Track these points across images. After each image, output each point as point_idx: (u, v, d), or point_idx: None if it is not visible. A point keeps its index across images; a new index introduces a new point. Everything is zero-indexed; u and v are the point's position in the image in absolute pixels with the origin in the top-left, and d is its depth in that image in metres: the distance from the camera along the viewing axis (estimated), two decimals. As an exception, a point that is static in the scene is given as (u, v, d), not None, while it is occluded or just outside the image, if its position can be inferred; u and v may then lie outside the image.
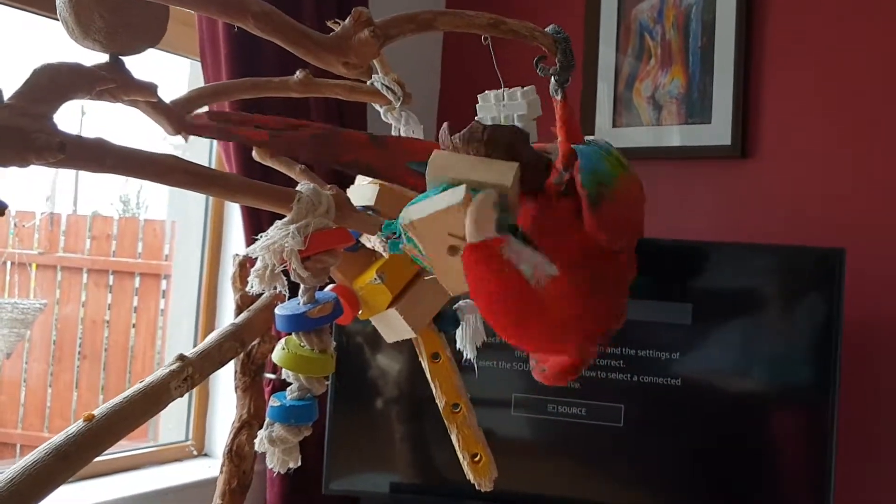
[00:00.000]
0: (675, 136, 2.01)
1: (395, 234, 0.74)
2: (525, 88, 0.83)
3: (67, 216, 3.56)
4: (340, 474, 1.70)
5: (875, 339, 1.77)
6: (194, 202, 1.95)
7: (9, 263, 3.24)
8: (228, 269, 1.86)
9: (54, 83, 0.67)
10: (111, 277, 3.39)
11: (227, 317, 1.60)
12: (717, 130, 1.95)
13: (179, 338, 1.95)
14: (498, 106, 0.82)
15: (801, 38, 1.92)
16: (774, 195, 1.92)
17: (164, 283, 3.37)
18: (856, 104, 1.86)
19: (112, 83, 0.77)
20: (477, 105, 0.87)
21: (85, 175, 3.59)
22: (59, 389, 3.35)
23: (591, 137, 0.85)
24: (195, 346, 1.87)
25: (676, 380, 1.61)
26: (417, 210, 0.70)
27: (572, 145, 0.79)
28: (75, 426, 0.72)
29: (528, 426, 1.66)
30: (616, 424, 1.63)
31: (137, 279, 3.43)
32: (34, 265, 3.39)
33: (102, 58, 0.82)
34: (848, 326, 1.56)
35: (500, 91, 0.83)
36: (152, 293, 3.47)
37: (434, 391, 1.03)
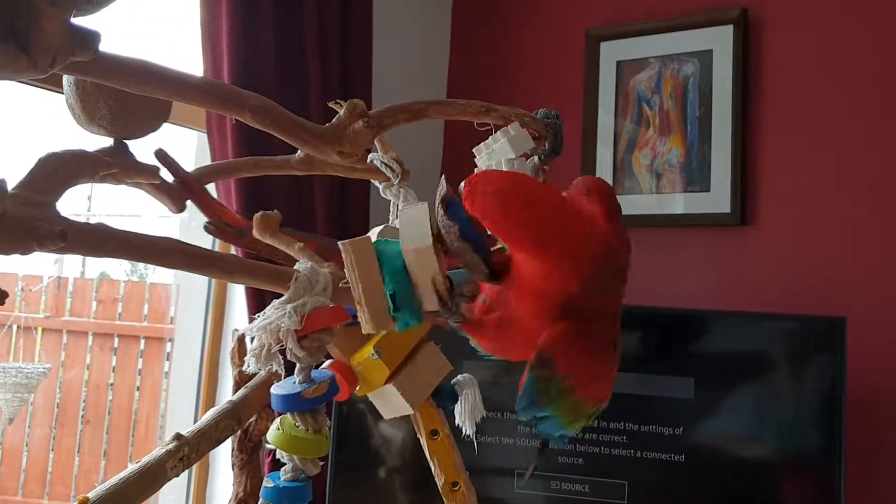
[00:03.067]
0: (674, 203, 2.03)
1: None
2: (506, 128, 0.82)
3: (74, 280, 3.57)
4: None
5: (877, 406, 1.76)
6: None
7: (15, 327, 3.24)
8: (230, 337, 1.87)
9: (57, 172, 0.69)
10: (116, 341, 3.40)
11: (229, 381, 1.60)
12: (717, 198, 1.97)
13: (181, 405, 1.94)
14: (488, 153, 0.82)
15: (797, 106, 1.96)
16: (774, 263, 1.93)
17: (168, 346, 3.37)
18: (854, 171, 1.88)
19: (115, 167, 0.79)
20: (475, 160, 0.86)
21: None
22: (61, 454, 3.33)
23: None
24: (197, 410, 1.88)
25: (680, 455, 1.59)
26: None
27: None
28: (68, 510, 0.71)
29: (531, 503, 1.64)
30: (620, 502, 1.60)
31: (142, 342, 3.43)
32: (40, 329, 3.40)
33: (107, 140, 0.85)
34: (850, 395, 1.55)
35: (487, 142, 0.83)
36: (157, 356, 3.46)
37: (433, 469, 1.02)
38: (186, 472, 1.84)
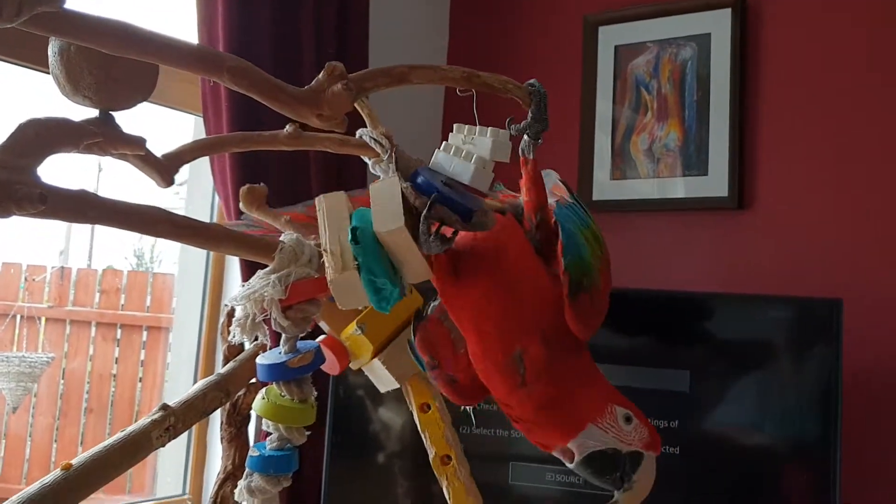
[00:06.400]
0: (672, 188, 2.03)
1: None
2: (497, 129, 0.81)
3: (78, 270, 3.59)
4: (337, 529, 1.68)
5: (874, 388, 1.75)
6: (196, 255, 1.97)
7: (18, 317, 3.26)
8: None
9: (38, 137, 0.69)
10: (119, 331, 3.41)
11: (226, 369, 1.60)
12: (714, 182, 1.97)
13: (178, 391, 1.95)
14: (468, 138, 0.80)
15: (795, 90, 1.95)
16: (771, 246, 1.92)
17: (170, 336, 3.38)
18: (851, 154, 1.87)
19: (99, 137, 0.79)
20: (449, 133, 0.84)
21: (100, 230, 3.62)
22: (65, 444, 3.34)
23: (561, 196, 0.85)
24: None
25: (675, 448, 1.58)
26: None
27: (554, 211, 0.80)
28: (52, 475, 0.72)
29: (526, 495, 1.63)
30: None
31: (145, 333, 3.44)
32: (43, 319, 3.42)
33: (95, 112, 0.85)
34: (846, 377, 1.54)
35: (474, 126, 0.81)
36: (159, 346, 3.47)
37: (425, 442, 1.02)
38: (184, 450, 1.86)
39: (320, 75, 0.67)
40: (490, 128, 0.81)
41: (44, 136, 0.71)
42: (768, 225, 1.93)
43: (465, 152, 0.79)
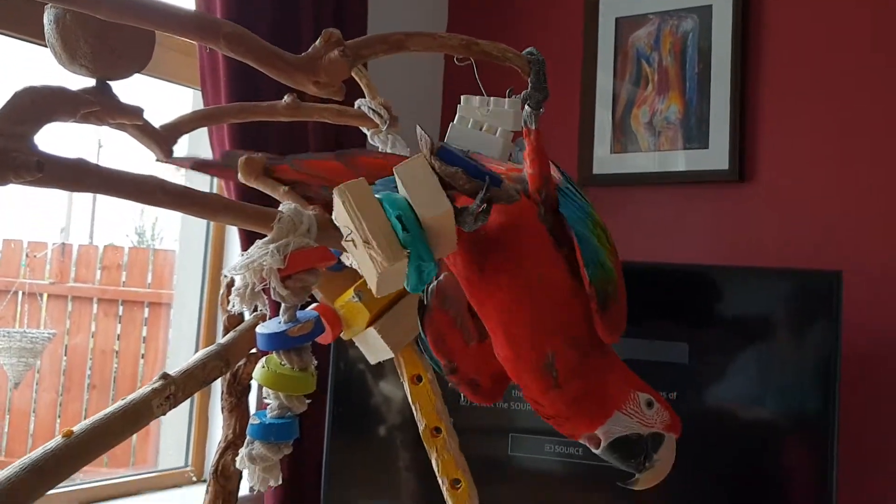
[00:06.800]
0: (673, 161, 2.02)
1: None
2: (514, 99, 0.79)
3: (79, 246, 3.59)
4: (339, 500, 1.69)
5: (873, 360, 1.76)
6: (197, 231, 1.97)
7: (20, 293, 3.27)
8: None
9: (35, 105, 0.69)
10: (121, 307, 3.42)
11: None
12: (715, 155, 1.96)
13: (179, 366, 1.96)
14: (483, 111, 0.79)
15: (796, 62, 1.94)
16: (772, 219, 1.92)
17: (172, 312, 3.38)
18: (853, 128, 1.86)
19: (96, 106, 0.79)
20: (459, 106, 0.82)
21: (101, 207, 3.62)
22: (68, 419, 3.36)
23: (557, 174, 0.85)
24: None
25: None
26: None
27: (561, 210, 0.80)
28: (53, 441, 0.72)
29: (525, 466, 1.64)
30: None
31: (146, 309, 3.45)
32: (45, 295, 3.42)
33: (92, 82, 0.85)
34: (846, 349, 1.54)
35: (486, 97, 0.80)
36: (161, 323, 3.49)
37: (415, 414, 1.03)
38: (186, 422, 1.87)
39: (317, 42, 0.66)
40: (506, 99, 0.81)
41: (40, 104, 0.70)
42: (769, 198, 1.93)
43: (487, 125, 0.78)
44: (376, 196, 0.72)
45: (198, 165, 1.04)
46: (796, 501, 1.59)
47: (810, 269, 1.64)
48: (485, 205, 0.71)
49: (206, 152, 1.84)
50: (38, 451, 0.70)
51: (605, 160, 2.10)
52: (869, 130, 1.84)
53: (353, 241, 0.72)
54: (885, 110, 1.83)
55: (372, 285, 0.73)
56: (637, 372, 0.85)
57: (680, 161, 2.01)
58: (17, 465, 0.69)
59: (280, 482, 0.84)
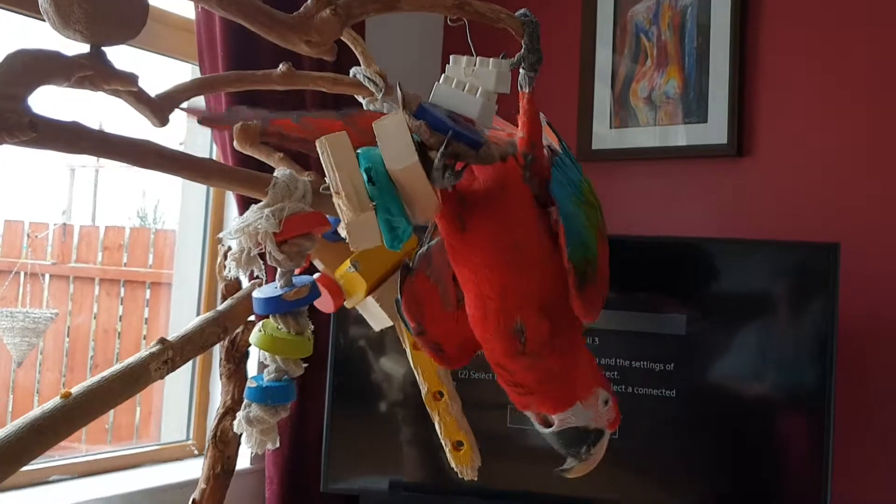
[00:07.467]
0: (672, 135, 2.02)
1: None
2: (499, 60, 0.79)
3: (80, 227, 3.60)
4: (339, 473, 1.71)
5: (870, 333, 1.76)
6: (196, 211, 1.97)
7: (22, 274, 3.28)
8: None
9: (28, 68, 0.69)
10: (122, 287, 3.42)
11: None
12: (714, 130, 1.96)
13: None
14: (468, 70, 0.79)
15: (795, 36, 1.93)
16: (770, 193, 1.92)
17: (172, 291, 3.39)
18: (851, 101, 1.86)
19: (90, 71, 0.79)
20: (446, 65, 0.82)
21: (103, 189, 3.63)
22: (71, 398, 3.37)
23: (559, 145, 0.85)
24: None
25: (671, 391, 1.60)
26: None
27: (552, 189, 0.80)
28: (52, 402, 0.73)
29: (524, 438, 1.65)
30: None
31: (148, 290, 3.46)
32: (47, 276, 3.43)
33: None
34: (843, 320, 1.55)
35: (473, 57, 0.79)
36: (163, 303, 3.49)
37: (417, 379, 1.03)
38: (187, 397, 1.88)
39: (309, 1, 0.66)
40: (491, 59, 0.80)
41: (33, 67, 0.71)
42: (768, 171, 1.93)
43: (469, 85, 0.78)
44: (357, 152, 0.74)
45: (206, 120, 1.05)
46: (792, 471, 1.60)
47: (808, 241, 1.64)
48: (449, 160, 0.72)
49: (204, 132, 1.84)
50: (36, 411, 0.71)
51: (605, 135, 2.09)
52: (867, 104, 1.84)
53: (330, 193, 0.73)
54: (884, 85, 1.83)
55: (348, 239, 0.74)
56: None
57: (679, 136, 2.01)
58: (15, 423, 0.69)
59: (278, 445, 0.85)
